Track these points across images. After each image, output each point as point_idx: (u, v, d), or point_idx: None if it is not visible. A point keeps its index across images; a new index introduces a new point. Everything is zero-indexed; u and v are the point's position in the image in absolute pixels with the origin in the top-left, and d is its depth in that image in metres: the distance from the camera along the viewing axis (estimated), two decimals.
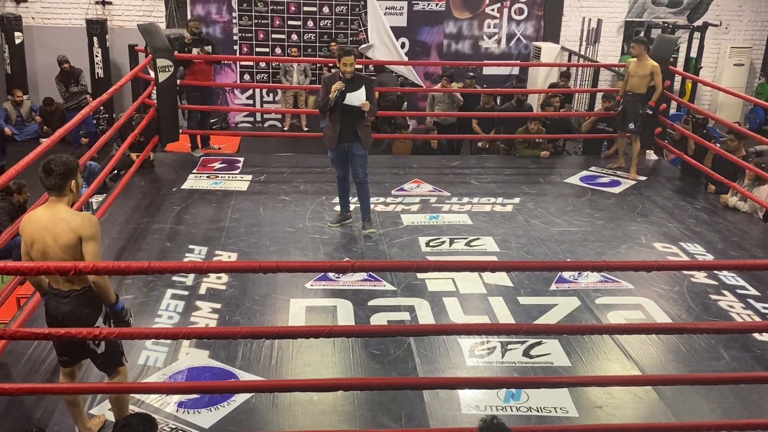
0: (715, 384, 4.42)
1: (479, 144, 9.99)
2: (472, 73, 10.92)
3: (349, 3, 12.73)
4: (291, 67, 12.11)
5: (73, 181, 3.59)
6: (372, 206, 7.10)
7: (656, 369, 4.72)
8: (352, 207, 6.81)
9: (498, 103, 10.56)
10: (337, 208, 6.95)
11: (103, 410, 4.10)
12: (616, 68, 11.09)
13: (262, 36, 12.79)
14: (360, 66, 7.29)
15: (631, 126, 8.19)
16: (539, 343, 4.86)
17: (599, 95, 10.31)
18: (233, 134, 11.34)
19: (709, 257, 6.37)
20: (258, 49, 12.83)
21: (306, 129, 12.32)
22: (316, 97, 6.41)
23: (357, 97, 6.17)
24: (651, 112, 8.26)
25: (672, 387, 4.43)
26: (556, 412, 4.22)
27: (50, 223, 3.52)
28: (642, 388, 4.45)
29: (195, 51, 8.83)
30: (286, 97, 12.50)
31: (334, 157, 6.53)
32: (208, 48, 8.97)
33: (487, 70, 13.05)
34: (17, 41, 12.07)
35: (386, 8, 12.42)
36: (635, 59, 8.13)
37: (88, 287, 3.59)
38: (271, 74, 13.04)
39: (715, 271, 6.00)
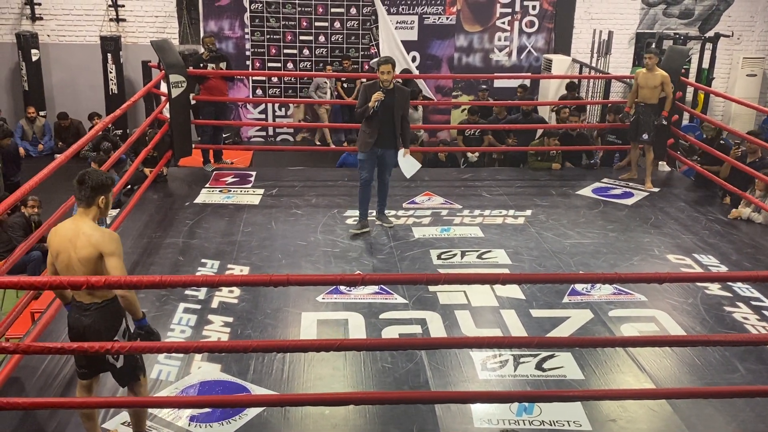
0: (731, 397, 4.37)
1: (472, 156, 9.99)
2: (484, 86, 10.95)
3: (361, 18, 12.81)
4: (324, 83, 12.19)
5: (102, 197, 3.66)
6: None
7: (670, 382, 4.67)
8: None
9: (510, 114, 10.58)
10: (348, 221, 6.96)
11: (117, 425, 4.12)
12: (628, 80, 11.07)
13: (274, 51, 12.88)
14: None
15: (645, 137, 8.16)
16: (552, 356, 4.83)
17: (607, 108, 10.31)
18: (246, 149, 11.40)
19: (723, 269, 6.33)
20: (270, 65, 12.92)
21: (329, 143, 12.40)
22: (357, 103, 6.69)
23: (411, 165, 6.78)
24: (665, 123, 8.23)
25: (686, 400, 4.39)
26: (570, 425, 4.19)
27: (74, 236, 3.59)
28: (656, 401, 4.41)
29: (211, 67, 8.92)
30: (320, 113, 12.58)
31: (364, 159, 6.68)
32: (223, 64, 9.07)
33: (498, 83, 13.06)
34: (34, 58, 12.23)
35: (397, 22, 12.49)
36: (644, 70, 8.13)
37: (109, 301, 3.65)
38: (283, 89, 13.12)
39: (730, 283, 5.95)
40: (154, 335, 3.81)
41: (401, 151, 6.68)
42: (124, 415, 4.13)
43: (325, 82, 12.18)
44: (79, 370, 3.86)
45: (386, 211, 7.08)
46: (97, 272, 3.57)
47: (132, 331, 3.79)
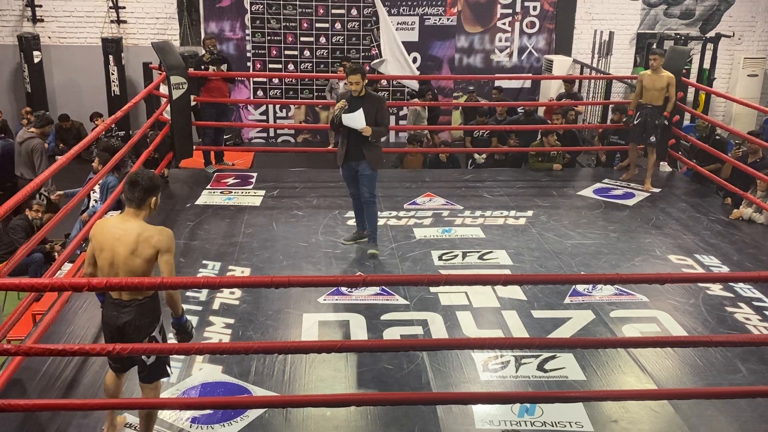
0: (732, 398, 4.37)
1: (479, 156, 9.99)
2: (471, 87, 11.00)
3: (362, 19, 12.82)
4: (337, 84, 12.19)
5: (154, 198, 3.72)
6: (384, 221, 7.12)
7: (672, 383, 4.67)
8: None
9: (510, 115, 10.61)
10: (350, 222, 6.96)
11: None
12: (629, 80, 11.08)
13: (275, 52, 12.89)
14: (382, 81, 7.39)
15: (653, 139, 8.12)
16: (553, 357, 4.83)
17: (611, 107, 10.31)
18: (247, 150, 11.40)
19: (725, 269, 6.32)
20: (271, 66, 12.93)
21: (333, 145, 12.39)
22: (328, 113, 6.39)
23: (353, 119, 6.04)
24: (666, 123, 8.22)
25: (688, 401, 4.38)
26: (571, 426, 4.18)
27: (124, 235, 3.61)
28: (658, 402, 4.40)
29: (211, 69, 8.92)
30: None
31: (343, 175, 6.47)
32: (224, 66, 9.06)
33: (499, 84, 13.07)
34: (36, 60, 12.25)
35: (398, 23, 12.50)
36: (649, 72, 8.09)
37: (149, 298, 3.70)
38: (284, 90, 13.13)
39: (731, 283, 5.95)
40: (188, 335, 3.87)
41: (360, 117, 6.02)
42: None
43: (337, 83, 12.17)
44: (113, 364, 3.92)
45: (375, 237, 6.44)
46: (145, 272, 3.62)
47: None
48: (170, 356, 3.96)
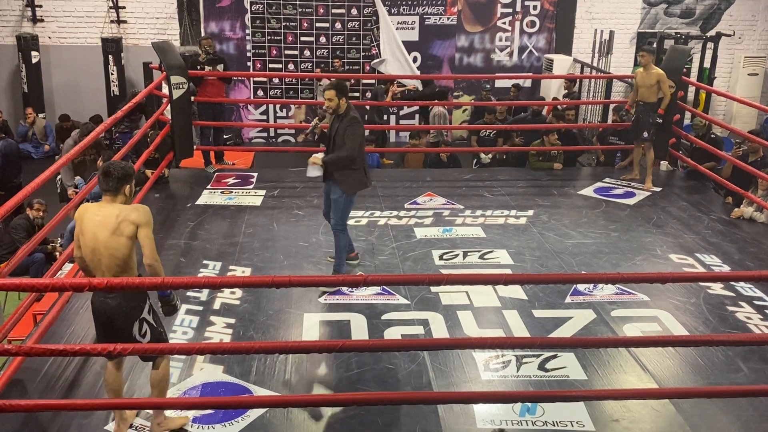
0: (734, 397, 4.37)
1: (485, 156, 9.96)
2: (488, 86, 10.99)
3: (362, 18, 12.82)
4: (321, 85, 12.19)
5: (128, 186, 3.87)
6: (385, 220, 7.12)
7: (673, 382, 4.67)
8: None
9: (512, 114, 10.60)
10: (350, 222, 6.94)
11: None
12: (629, 79, 11.08)
13: (275, 52, 12.89)
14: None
15: (645, 135, 8.16)
16: (554, 357, 4.82)
17: (612, 107, 10.32)
18: (247, 150, 11.41)
19: (726, 268, 6.31)
20: (271, 65, 12.93)
21: None
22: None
23: (312, 172, 5.65)
24: (661, 121, 8.22)
25: (690, 400, 4.38)
26: (572, 425, 4.18)
27: (104, 219, 3.75)
28: (659, 402, 4.40)
29: (208, 69, 8.90)
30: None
31: (324, 191, 5.96)
32: (221, 66, 9.05)
33: (500, 83, 13.08)
34: (34, 60, 12.25)
35: (398, 23, 12.50)
36: (642, 69, 8.12)
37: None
38: (284, 90, 13.12)
39: (732, 283, 5.94)
40: (174, 306, 4.02)
41: (312, 159, 5.67)
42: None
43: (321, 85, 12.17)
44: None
45: (339, 271, 5.84)
46: (127, 251, 3.75)
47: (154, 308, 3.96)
48: (165, 332, 4.02)
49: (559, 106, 9.94)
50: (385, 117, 12.51)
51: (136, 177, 4.03)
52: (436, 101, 10.92)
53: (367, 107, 11.09)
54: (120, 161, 4.04)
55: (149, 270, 3.81)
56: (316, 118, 5.86)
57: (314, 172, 5.68)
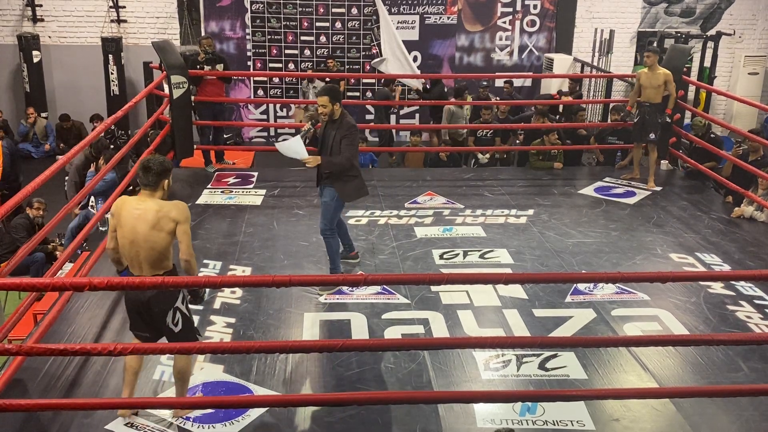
0: (734, 396, 4.36)
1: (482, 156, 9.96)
2: (485, 82, 10.98)
3: (362, 18, 12.81)
4: (307, 87, 12.16)
5: (166, 181, 3.99)
6: (386, 219, 7.12)
7: (674, 381, 4.67)
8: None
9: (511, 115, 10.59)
10: (351, 222, 6.95)
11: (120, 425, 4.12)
12: (629, 79, 11.07)
13: (275, 52, 12.89)
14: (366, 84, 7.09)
15: (652, 136, 8.12)
16: (555, 356, 4.82)
17: (611, 107, 10.30)
18: (247, 149, 11.40)
19: (726, 267, 6.31)
20: (271, 65, 12.93)
21: None
22: None
23: (288, 148, 5.55)
24: (669, 121, 8.22)
25: (690, 399, 4.38)
26: (573, 425, 4.18)
27: (143, 213, 3.85)
28: (659, 401, 4.40)
29: (207, 68, 8.90)
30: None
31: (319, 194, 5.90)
32: (220, 66, 9.04)
33: (500, 83, 13.06)
34: (35, 60, 12.25)
35: (398, 22, 12.49)
36: (647, 70, 8.09)
37: (169, 272, 3.93)
38: (284, 89, 13.12)
39: (732, 282, 5.94)
40: (200, 298, 4.25)
41: (296, 145, 5.53)
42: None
43: (307, 86, 12.13)
44: (141, 334, 4.04)
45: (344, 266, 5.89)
46: (166, 245, 3.86)
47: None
48: (168, 356, 4.04)
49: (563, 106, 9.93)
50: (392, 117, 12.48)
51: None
52: (448, 101, 10.89)
53: (370, 107, 11.09)
54: (158, 156, 4.11)
55: (184, 265, 3.93)
56: (310, 122, 5.65)
57: (296, 150, 5.45)
